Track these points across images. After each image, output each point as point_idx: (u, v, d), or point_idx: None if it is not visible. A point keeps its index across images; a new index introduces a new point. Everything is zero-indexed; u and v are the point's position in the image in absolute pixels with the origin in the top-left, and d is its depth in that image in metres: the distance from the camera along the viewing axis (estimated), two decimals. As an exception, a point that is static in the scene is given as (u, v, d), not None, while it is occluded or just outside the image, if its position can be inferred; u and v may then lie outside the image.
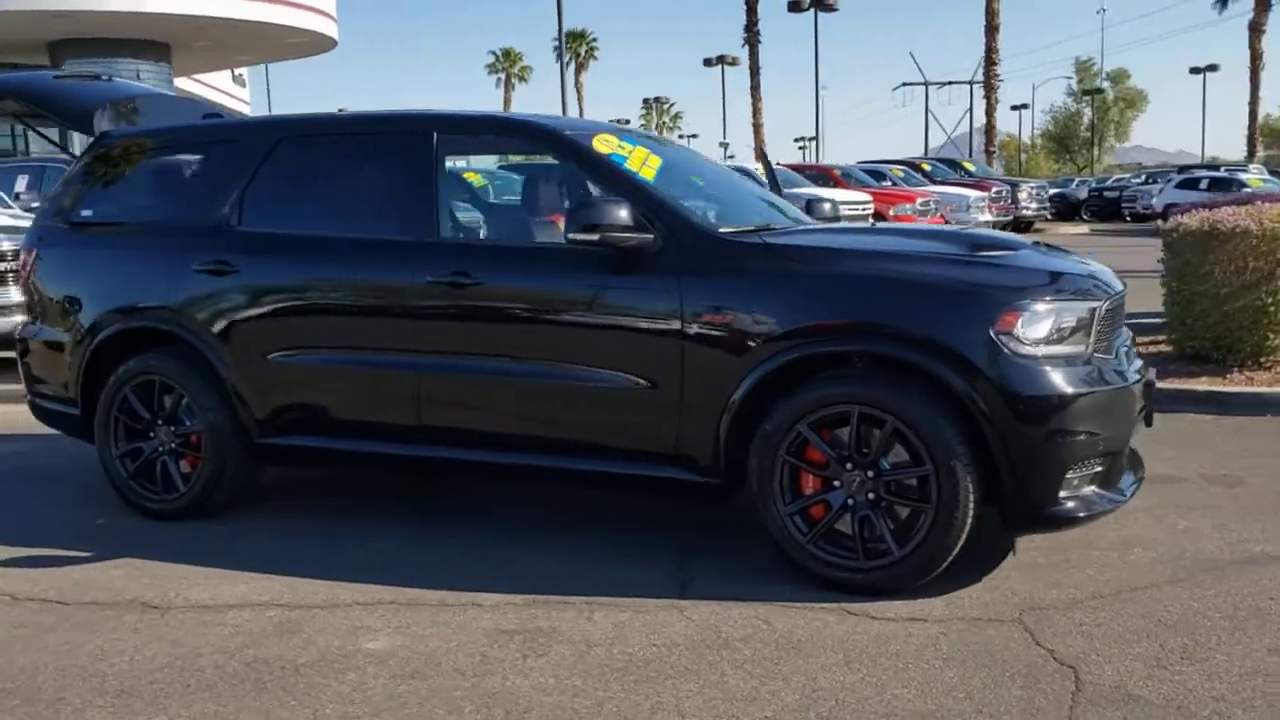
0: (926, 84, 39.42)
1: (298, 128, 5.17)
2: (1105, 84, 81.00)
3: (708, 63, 58.81)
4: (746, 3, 36.05)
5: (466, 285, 4.46)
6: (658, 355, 4.17)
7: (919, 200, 22.25)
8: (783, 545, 4.04)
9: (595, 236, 4.15)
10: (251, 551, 4.61)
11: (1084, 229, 32.39)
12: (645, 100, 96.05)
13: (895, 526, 3.90)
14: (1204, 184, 31.95)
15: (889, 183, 24.47)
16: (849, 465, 3.93)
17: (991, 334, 3.76)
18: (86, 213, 5.46)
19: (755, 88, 36.15)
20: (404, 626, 3.78)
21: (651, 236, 4.20)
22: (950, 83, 44.24)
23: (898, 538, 3.88)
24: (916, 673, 3.32)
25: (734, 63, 57.34)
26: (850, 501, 3.93)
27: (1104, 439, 3.88)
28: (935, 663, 3.38)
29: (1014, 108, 79.71)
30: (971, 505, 3.78)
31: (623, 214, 4.14)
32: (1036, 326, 3.81)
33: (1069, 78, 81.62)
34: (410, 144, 4.78)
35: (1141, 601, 3.81)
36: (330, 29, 29.04)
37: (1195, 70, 65.41)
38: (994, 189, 26.66)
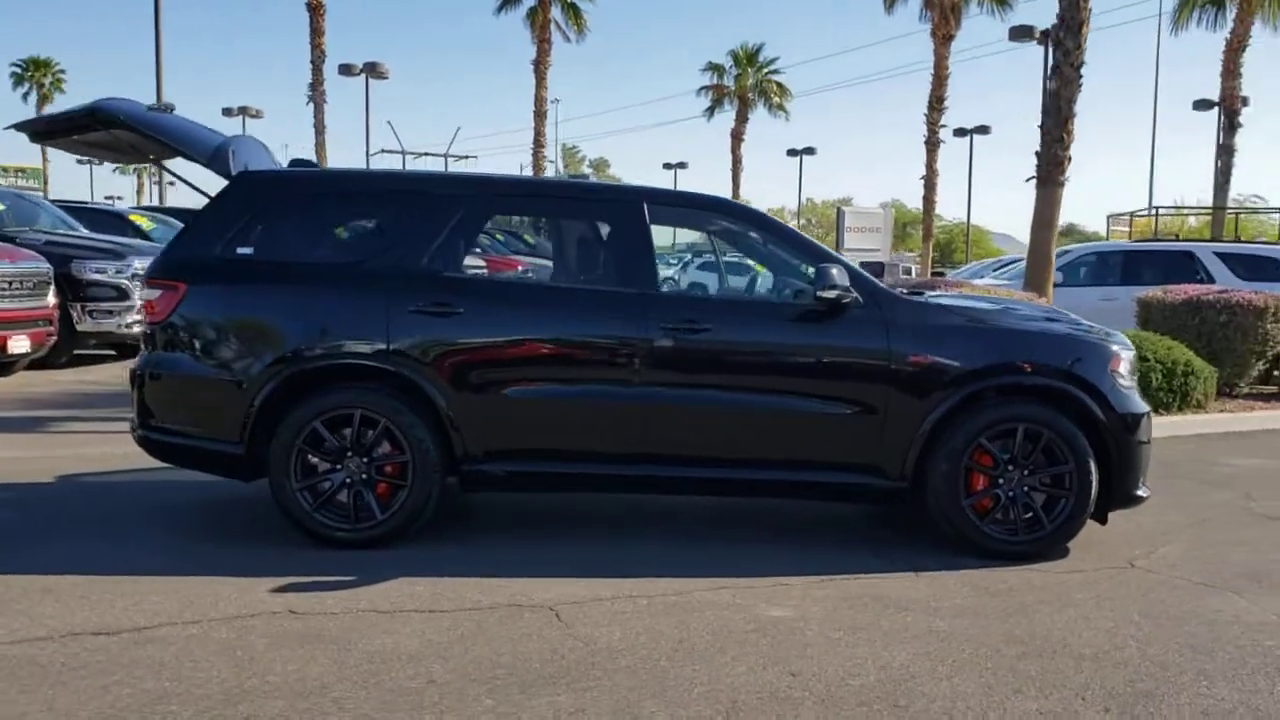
0: (404, 153, 41.41)
1: (505, 187, 5.73)
2: (588, 170, 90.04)
3: (227, 112, 56.73)
4: (313, 62, 36.29)
5: (698, 331, 5.40)
6: (869, 386, 5.43)
7: (519, 269, 24.33)
8: (963, 529, 5.46)
9: (835, 294, 5.35)
10: (505, 563, 5.11)
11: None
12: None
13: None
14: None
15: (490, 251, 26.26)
16: (1010, 467, 5.47)
17: (1110, 371, 5.52)
18: (245, 250, 5.49)
19: (320, 145, 36.38)
20: (773, 600, 4.68)
21: (856, 294, 5.47)
22: (426, 154, 46.45)
23: (1047, 516, 5.47)
24: (1139, 593, 4.94)
25: (257, 115, 55.94)
26: (1011, 494, 5.47)
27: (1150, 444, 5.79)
28: (1141, 587, 5.04)
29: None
30: (1096, 493, 5.49)
31: (846, 277, 5.39)
32: (1125, 366, 5.63)
33: (553, 161, 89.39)
34: (623, 211, 5.59)
35: (1184, 543, 5.73)
36: None
37: (668, 165, 74.27)
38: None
